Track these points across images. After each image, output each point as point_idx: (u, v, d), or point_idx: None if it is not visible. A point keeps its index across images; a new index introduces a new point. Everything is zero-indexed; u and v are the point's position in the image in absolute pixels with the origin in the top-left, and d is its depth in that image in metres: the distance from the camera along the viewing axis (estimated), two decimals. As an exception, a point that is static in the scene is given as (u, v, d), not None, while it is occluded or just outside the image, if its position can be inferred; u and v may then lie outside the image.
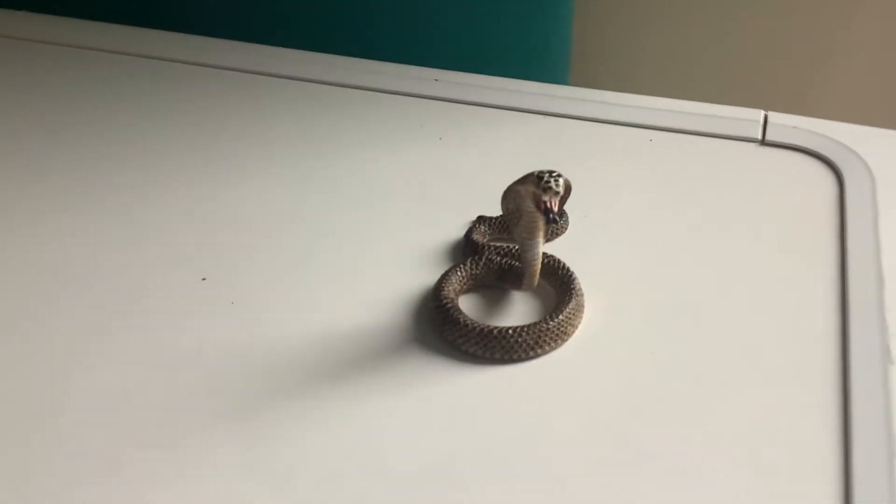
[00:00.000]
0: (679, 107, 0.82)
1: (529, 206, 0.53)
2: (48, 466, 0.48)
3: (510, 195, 0.55)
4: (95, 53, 0.96)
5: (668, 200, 0.71)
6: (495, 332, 0.55)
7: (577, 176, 0.70)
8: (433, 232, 0.67)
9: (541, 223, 0.55)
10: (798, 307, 0.59)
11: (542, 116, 0.82)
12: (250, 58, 0.92)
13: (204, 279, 0.62)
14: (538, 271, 0.58)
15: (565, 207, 0.66)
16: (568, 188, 0.54)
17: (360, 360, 0.55)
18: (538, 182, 0.51)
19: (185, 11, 1.07)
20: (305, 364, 0.55)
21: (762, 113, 0.80)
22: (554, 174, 0.52)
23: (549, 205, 0.51)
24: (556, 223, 0.51)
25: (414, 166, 0.75)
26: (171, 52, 0.94)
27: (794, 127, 0.78)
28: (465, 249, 0.65)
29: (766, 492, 0.46)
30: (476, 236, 0.65)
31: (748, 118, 0.80)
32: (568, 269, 0.60)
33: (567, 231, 0.67)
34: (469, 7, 1.00)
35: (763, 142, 0.77)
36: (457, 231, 0.67)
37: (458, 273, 0.61)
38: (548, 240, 0.66)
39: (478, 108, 0.84)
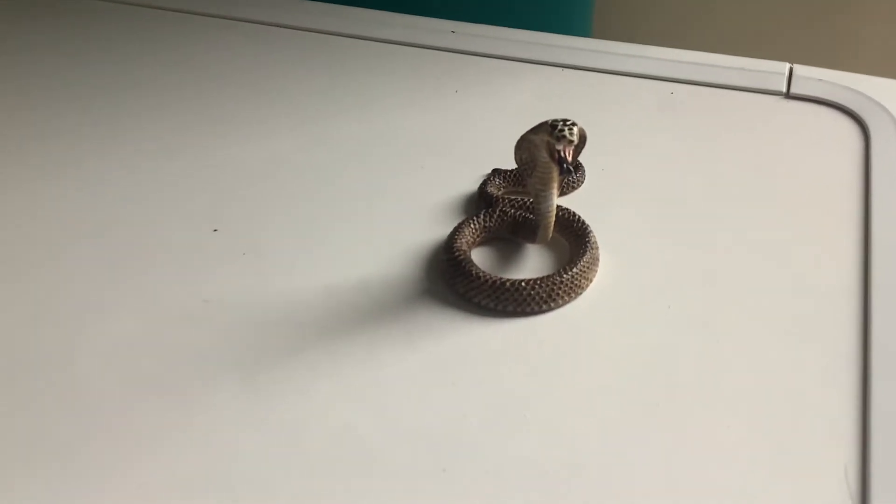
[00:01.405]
0: (701, 59, 0.80)
1: (543, 155, 0.52)
2: (59, 416, 0.48)
3: (523, 144, 0.54)
4: (107, 4, 0.95)
5: (688, 155, 0.69)
6: (508, 284, 0.54)
7: (596, 129, 0.68)
8: (448, 185, 0.66)
9: (555, 174, 0.54)
10: (819, 267, 0.58)
11: (561, 69, 0.81)
12: (264, 9, 0.91)
13: (216, 230, 0.62)
14: (552, 224, 0.57)
15: (582, 160, 0.65)
16: (583, 137, 0.52)
17: (371, 312, 0.55)
18: (552, 131, 0.50)
19: None
20: (316, 316, 0.54)
21: (787, 65, 0.78)
22: (568, 122, 0.50)
23: (563, 154, 0.50)
24: (570, 173, 0.50)
25: (429, 120, 0.74)
26: (184, 4, 0.93)
27: (820, 80, 0.75)
28: (479, 202, 0.64)
29: (781, 454, 0.45)
30: (490, 189, 0.64)
31: (772, 70, 0.77)
32: (583, 222, 0.59)
33: (584, 184, 0.66)
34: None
35: (788, 95, 0.75)
36: (471, 184, 0.66)
37: (472, 225, 0.60)
38: (563, 193, 0.65)
39: (495, 60, 0.82)
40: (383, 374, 0.50)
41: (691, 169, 0.68)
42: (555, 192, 0.55)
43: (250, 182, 0.67)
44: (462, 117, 0.75)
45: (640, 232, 0.62)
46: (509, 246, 0.60)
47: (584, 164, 0.67)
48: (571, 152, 0.50)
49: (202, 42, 0.87)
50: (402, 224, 0.63)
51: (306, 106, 0.77)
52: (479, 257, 0.59)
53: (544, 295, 0.54)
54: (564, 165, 0.50)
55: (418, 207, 0.64)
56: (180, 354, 0.52)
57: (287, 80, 0.80)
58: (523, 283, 0.54)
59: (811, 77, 0.76)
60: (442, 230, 0.61)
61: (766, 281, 0.57)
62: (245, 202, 0.65)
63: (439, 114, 0.75)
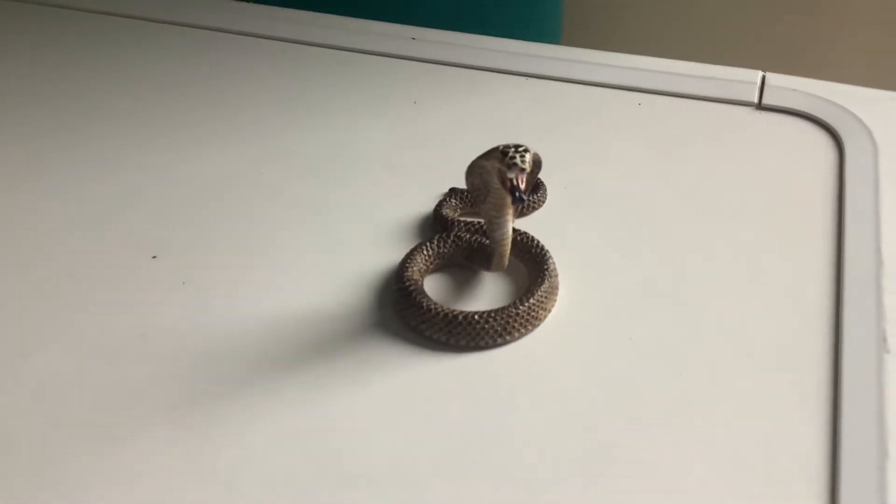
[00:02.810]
0: (669, 67, 0.77)
1: (495, 182, 0.49)
2: (-27, 466, 0.44)
3: (475, 170, 0.51)
4: (37, 8, 0.91)
5: (656, 170, 0.66)
6: (461, 317, 0.51)
7: (560, 143, 0.65)
8: (403, 204, 0.63)
9: (509, 200, 0.50)
10: (789, 288, 0.55)
11: (524, 78, 0.77)
12: (207, 13, 0.87)
13: (154, 257, 0.58)
14: (507, 252, 0.54)
15: (543, 177, 0.62)
16: (537, 163, 0.49)
17: (316, 346, 0.52)
18: (503, 157, 0.47)
19: None
20: (257, 351, 0.51)
21: (759, 74, 0.75)
22: (520, 149, 0.47)
23: (515, 182, 0.47)
24: (522, 202, 0.47)
25: (384, 133, 0.71)
26: (122, 7, 0.89)
27: (794, 89, 0.73)
28: (435, 225, 0.61)
29: (749, 488, 0.43)
30: (446, 211, 0.61)
31: (744, 80, 0.75)
32: (542, 248, 0.56)
33: (545, 203, 0.63)
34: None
35: (759, 105, 0.72)
36: (427, 203, 0.63)
37: (424, 252, 0.57)
38: (522, 214, 0.62)
39: (456, 69, 0.79)
40: (327, 414, 0.47)
41: (659, 184, 0.65)
42: (510, 219, 0.52)
43: (193, 202, 0.64)
44: (420, 130, 0.71)
45: (603, 253, 0.59)
46: (464, 273, 0.57)
47: (544, 182, 0.63)
48: (524, 180, 0.47)
49: (143, 47, 0.83)
50: (354, 247, 0.60)
51: (254, 117, 0.73)
52: (433, 285, 0.56)
53: (499, 328, 0.51)
54: (517, 194, 0.47)
55: (371, 229, 0.61)
56: (112, 393, 0.48)
57: (234, 89, 0.77)
58: (476, 317, 0.51)
59: (784, 87, 0.73)
60: (396, 254, 0.57)
61: (736, 303, 0.54)
62: (187, 225, 0.62)
63: (396, 126, 0.72)
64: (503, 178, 0.47)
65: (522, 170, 0.47)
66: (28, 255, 0.59)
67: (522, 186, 0.47)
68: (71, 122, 0.72)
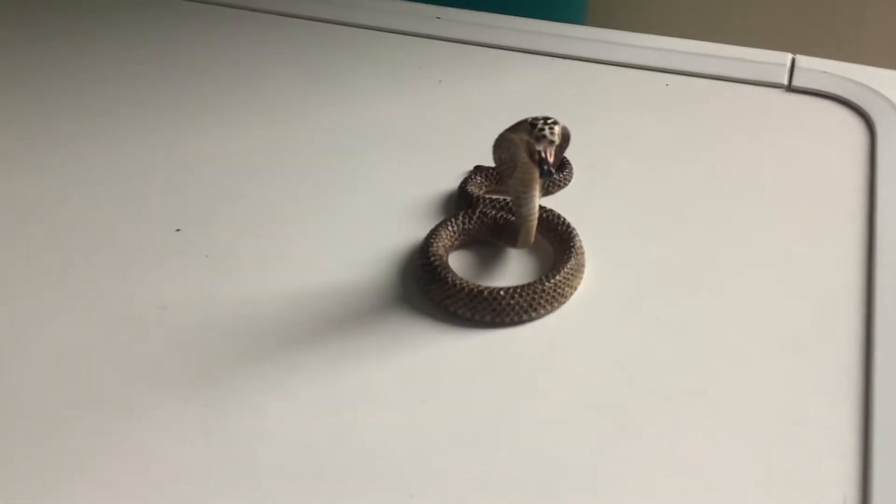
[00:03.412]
0: (697, 48, 0.76)
1: (523, 156, 0.48)
2: (-5, 431, 0.44)
3: (502, 143, 0.50)
4: None
5: (683, 151, 0.66)
6: (486, 292, 0.50)
7: (586, 123, 0.65)
8: (426, 182, 0.62)
9: (537, 175, 0.50)
10: (820, 273, 0.54)
11: (550, 58, 0.76)
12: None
13: (178, 230, 0.58)
14: (534, 227, 0.53)
15: (569, 156, 0.61)
16: (566, 136, 0.48)
17: (339, 320, 0.51)
18: (531, 129, 0.46)
19: None
20: (279, 324, 0.51)
21: (789, 56, 0.74)
22: (549, 121, 0.47)
23: (543, 155, 0.46)
24: (550, 176, 0.46)
25: (409, 111, 0.70)
26: None
27: (824, 72, 0.71)
28: (459, 202, 0.60)
29: (775, 478, 0.42)
30: (471, 188, 0.60)
31: (773, 61, 0.73)
32: (568, 225, 0.55)
33: (571, 183, 0.62)
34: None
35: (789, 87, 0.71)
36: (452, 182, 0.62)
37: (449, 228, 0.56)
38: (548, 192, 0.61)
39: (482, 48, 0.78)
40: (347, 389, 0.47)
41: (686, 166, 0.64)
42: (537, 193, 0.51)
43: (217, 177, 0.64)
44: (445, 109, 0.71)
45: (629, 234, 0.58)
46: (489, 249, 0.57)
47: (570, 161, 0.63)
48: (553, 153, 0.46)
49: (166, 26, 0.83)
50: (378, 224, 0.59)
51: (279, 95, 0.73)
52: (458, 262, 0.55)
53: (524, 304, 0.50)
54: (545, 167, 0.46)
55: (395, 206, 0.60)
56: (130, 364, 0.48)
57: (259, 67, 0.76)
58: (502, 292, 0.50)
59: (814, 69, 0.72)
60: (419, 231, 0.57)
61: (764, 286, 0.53)
62: (211, 199, 0.61)
63: (421, 105, 0.71)
64: (531, 151, 0.47)
65: (551, 142, 0.46)
66: (53, 226, 0.59)
67: (551, 159, 0.46)
68: (96, 101, 0.72)
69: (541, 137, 0.46)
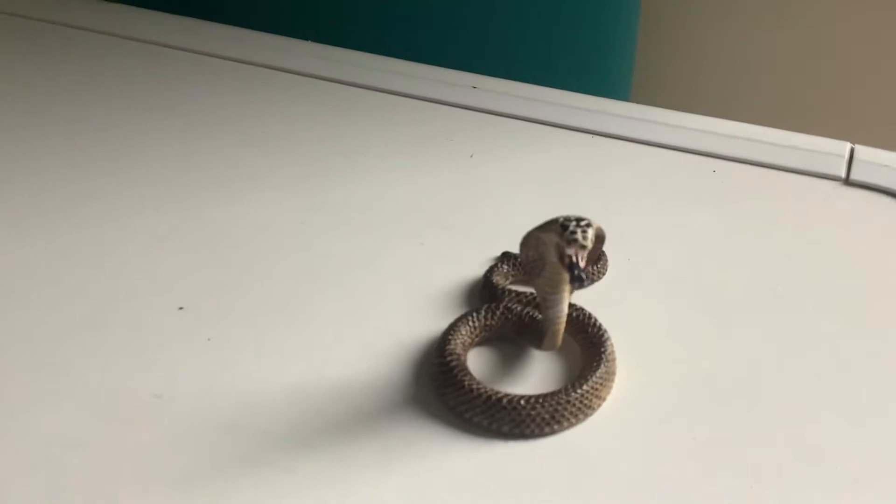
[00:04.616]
0: (748, 132, 0.71)
1: (553, 256, 0.44)
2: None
3: (531, 241, 0.46)
4: (71, 31, 0.88)
5: (730, 245, 0.61)
6: (504, 400, 0.46)
7: (624, 209, 0.60)
8: (450, 267, 0.58)
9: (566, 277, 0.45)
10: (877, 394, 0.49)
11: (591, 135, 0.72)
12: (261, 51, 0.84)
13: (181, 308, 0.55)
14: (562, 330, 0.49)
15: (605, 247, 0.57)
16: (600, 238, 0.44)
17: (346, 420, 0.47)
18: (562, 231, 0.42)
19: None
20: (279, 422, 0.47)
21: (848, 146, 0.69)
22: (582, 222, 0.42)
23: (574, 259, 0.42)
24: (581, 282, 0.42)
25: (437, 187, 0.66)
26: (167, 37, 0.86)
27: (885, 165, 0.66)
28: (483, 292, 0.56)
29: None
30: (497, 278, 0.56)
31: (830, 151, 0.69)
32: (599, 327, 0.51)
33: (605, 276, 0.58)
34: (519, 7, 0.91)
35: (847, 181, 0.66)
36: (478, 267, 0.58)
37: (470, 323, 0.52)
38: (580, 287, 0.57)
39: (519, 122, 0.74)
40: (349, 501, 0.42)
41: (733, 262, 0.59)
42: (566, 296, 0.47)
43: (227, 249, 0.60)
44: (475, 186, 0.67)
45: (667, 337, 0.53)
46: (512, 348, 0.52)
47: (606, 252, 0.58)
48: (585, 257, 0.42)
49: (183, 80, 0.80)
50: (394, 312, 0.55)
51: (298, 160, 0.69)
52: (477, 360, 0.51)
53: (546, 416, 0.46)
54: (576, 272, 0.42)
55: (415, 292, 0.56)
56: (120, 458, 0.44)
57: (279, 131, 0.73)
58: (522, 401, 0.46)
59: (874, 161, 0.67)
60: (439, 322, 0.53)
61: (817, 409, 0.48)
62: (219, 274, 0.58)
63: (450, 180, 0.67)
64: (561, 254, 0.43)
65: (583, 246, 0.42)
66: (49, 297, 0.56)
67: (582, 264, 0.42)
68: (105, 159, 0.70)
69: (572, 241, 0.42)
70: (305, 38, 0.84)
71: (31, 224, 0.62)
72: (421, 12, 0.93)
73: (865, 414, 0.48)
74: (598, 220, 0.45)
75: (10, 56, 0.85)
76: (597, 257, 0.58)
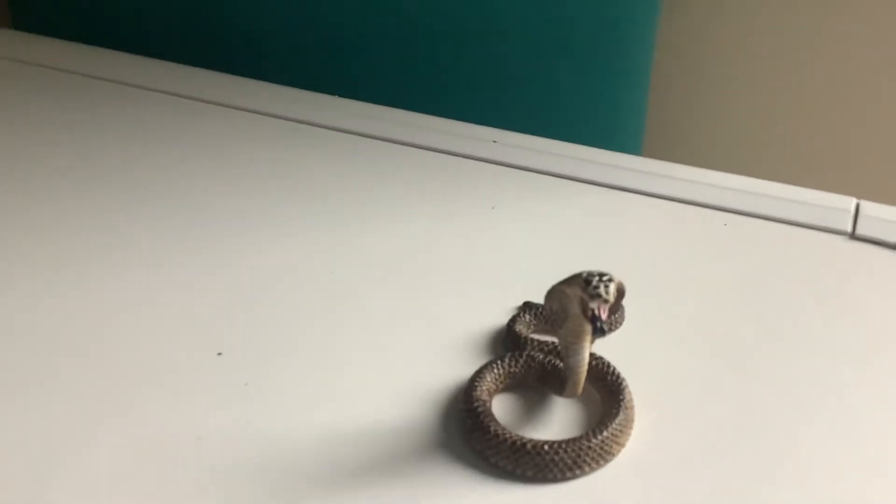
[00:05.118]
0: (757, 187, 0.74)
1: (576, 309, 0.47)
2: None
3: (555, 295, 0.49)
4: (111, 86, 0.91)
5: (741, 297, 0.63)
6: (528, 445, 0.48)
7: (640, 261, 0.63)
8: (475, 315, 0.61)
9: (588, 328, 0.48)
10: (884, 440, 0.51)
11: (606, 189, 0.76)
12: (293, 104, 0.87)
13: (220, 354, 0.57)
14: (583, 379, 0.51)
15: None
16: (621, 293, 0.47)
17: (376, 463, 0.49)
18: (585, 286, 0.45)
19: (219, 49, 1.04)
20: (314, 464, 0.49)
21: (853, 201, 0.72)
22: (605, 277, 0.45)
23: (596, 312, 0.45)
24: (603, 334, 0.45)
25: (460, 238, 0.69)
26: (198, 91, 0.89)
27: (891, 221, 0.69)
28: (507, 341, 0.58)
29: None
30: (519, 327, 0.59)
31: (837, 206, 0.71)
32: (618, 376, 0.53)
33: (622, 325, 0.60)
34: (536, 65, 0.94)
35: (853, 235, 0.69)
36: (501, 316, 0.61)
37: (495, 371, 0.54)
38: (599, 337, 0.59)
39: (538, 175, 0.77)
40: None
41: (745, 313, 0.62)
42: (587, 345, 0.50)
43: (262, 295, 0.63)
44: (497, 237, 0.70)
45: (682, 385, 0.56)
46: (535, 395, 0.55)
47: (623, 303, 0.61)
48: (607, 310, 0.45)
49: (215, 134, 0.83)
50: (422, 358, 0.58)
51: (330, 211, 0.72)
52: (501, 407, 0.54)
53: (569, 461, 0.48)
54: (598, 324, 0.45)
55: (442, 340, 0.59)
56: (161, 497, 0.47)
57: (308, 183, 0.76)
58: (546, 447, 0.48)
59: (879, 216, 0.70)
60: (465, 369, 0.55)
61: (830, 459, 0.50)
62: (254, 319, 0.61)
63: (473, 231, 0.70)
64: (584, 307, 0.45)
65: (606, 300, 0.44)
66: (86, 343, 0.58)
67: (604, 317, 0.45)
68: (141, 207, 0.73)
69: (595, 296, 0.44)
70: (334, 94, 0.88)
71: (72, 272, 0.65)
72: (446, 72, 0.97)
73: (874, 459, 0.50)
74: (618, 275, 0.47)
75: (46, 107, 0.88)
76: (610, 322, 0.60)
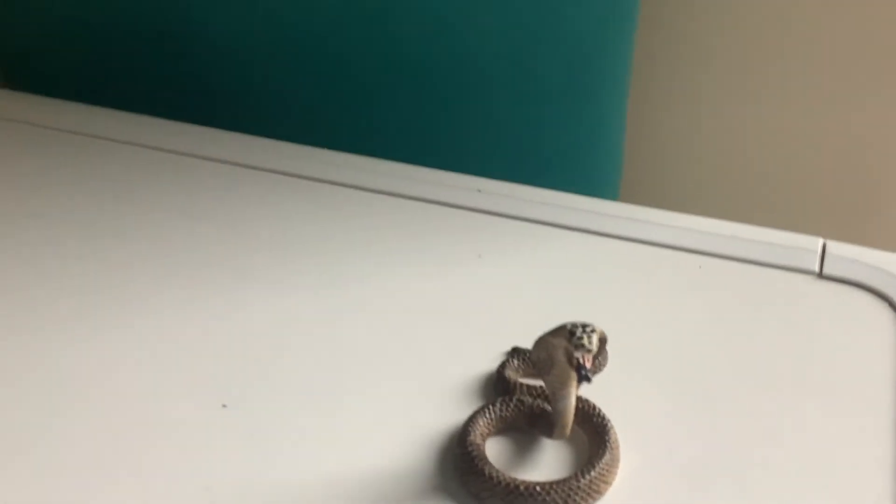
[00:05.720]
0: (729, 230, 0.78)
1: (561, 358, 0.50)
2: None
3: (541, 345, 0.52)
4: (107, 144, 0.94)
5: (716, 337, 0.67)
6: (521, 487, 0.51)
7: (620, 304, 0.66)
8: (466, 361, 0.64)
9: (574, 376, 0.51)
10: (852, 472, 0.55)
11: (586, 234, 0.79)
12: (280, 157, 0.90)
13: (224, 406, 0.60)
14: (570, 423, 0.54)
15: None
16: (603, 342, 0.51)
17: (375, 509, 0.52)
18: (570, 337, 0.48)
19: (210, 104, 1.07)
20: (318, 511, 0.52)
21: (820, 241, 0.76)
22: (588, 329, 0.49)
23: (581, 362, 0.48)
24: (588, 381, 0.48)
25: (449, 286, 0.73)
26: (193, 147, 0.92)
27: (855, 260, 0.73)
28: (497, 386, 0.62)
29: None
30: (508, 372, 0.62)
31: (805, 247, 0.75)
32: (603, 417, 0.57)
33: (605, 368, 0.64)
34: (516, 114, 0.99)
35: (820, 274, 0.73)
36: (491, 360, 0.64)
37: (487, 415, 0.57)
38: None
39: (521, 222, 0.81)
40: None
41: (719, 353, 0.65)
42: (573, 392, 0.53)
43: (263, 347, 0.66)
44: (485, 284, 0.73)
45: (664, 424, 0.59)
46: (525, 438, 0.58)
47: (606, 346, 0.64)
48: (591, 359, 0.48)
49: (213, 189, 0.86)
50: (416, 404, 0.61)
51: (319, 265, 0.75)
52: (494, 449, 0.57)
53: (560, 501, 0.51)
54: (583, 372, 0.48)
55: (434, 387, 0.62)
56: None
57: (300, 235, 0.79)
58: (538, 488, 0.51)
59: (845, 256, 0.74)
60: (457, 414, 0.58)
61: (800, 486, 0.54)
62: (257, 372, 0.63)
63: (461, 279, 0.73)
64: (569, 357, 0.49)
65: (589, 350, 0.48)
66: (92, 396, 0.61)
67: (588, 365, 0.48)
68: (143, 266, 0.75)
69: (579, 346, 0.48)
70: (317, 145, 0.91)
71: (72, 329, 0.67)
72: (427, 124, 1.01)
73: (846, 493, 0.53)
74: (599, 324, 0.51)
75: (47, 169, 0.91)
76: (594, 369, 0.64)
